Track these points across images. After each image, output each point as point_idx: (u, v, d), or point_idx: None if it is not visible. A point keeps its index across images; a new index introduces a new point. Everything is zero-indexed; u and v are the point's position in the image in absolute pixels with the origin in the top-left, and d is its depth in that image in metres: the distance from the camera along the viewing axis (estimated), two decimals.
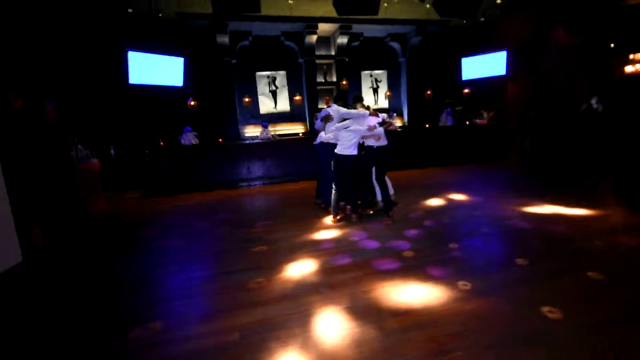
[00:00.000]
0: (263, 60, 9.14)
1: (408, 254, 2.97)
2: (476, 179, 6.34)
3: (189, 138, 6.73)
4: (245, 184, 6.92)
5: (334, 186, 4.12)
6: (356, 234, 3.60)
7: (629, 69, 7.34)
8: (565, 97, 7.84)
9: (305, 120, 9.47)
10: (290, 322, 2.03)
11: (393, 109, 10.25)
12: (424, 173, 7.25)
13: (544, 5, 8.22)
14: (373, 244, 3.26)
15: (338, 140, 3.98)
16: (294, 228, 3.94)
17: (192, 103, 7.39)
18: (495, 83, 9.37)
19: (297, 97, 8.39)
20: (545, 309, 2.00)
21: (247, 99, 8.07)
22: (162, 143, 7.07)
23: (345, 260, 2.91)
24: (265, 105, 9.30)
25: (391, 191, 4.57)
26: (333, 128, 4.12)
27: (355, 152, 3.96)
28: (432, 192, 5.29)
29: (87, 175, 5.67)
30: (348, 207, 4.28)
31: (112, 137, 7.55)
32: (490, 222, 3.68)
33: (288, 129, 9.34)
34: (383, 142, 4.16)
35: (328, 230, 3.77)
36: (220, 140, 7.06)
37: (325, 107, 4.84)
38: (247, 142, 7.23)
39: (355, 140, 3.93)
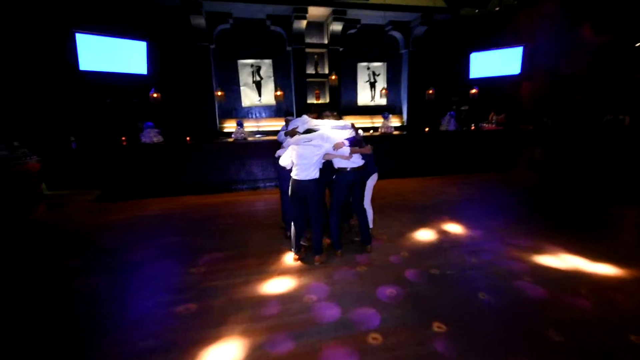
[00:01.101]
0: (246, 47, 8.12)
1: (374, 338, 2.16)
2: (478, 197, 5.47)
3: (150, 135, 5.85)
4: (217, 189, 6.09)
5: (292, 219, 3.29)
6: (316, 288, 2.78)
7: None
8: (587, 105, 6.86)
9: (293, 115, 8.53)
10: None
11: (391, 107, 9.28)
12: (419, 184, 6.38)
13: None
14: (332, 312, 2.44)
15: (294, 160, 3.11)
16: (245, 268, 3.13)
17: (155, 95, 6.46)
18: (507, 83, 8.35)
19: (278, 93, 7.43)
20: None
21: (219, 93, 7.10)
22: (124, 140, 6.20)
23: (286, 346, 2.11)
24: (249, 97, 8.35)
25: (371, 224, 3.73)
26: (290, 141, 3.26)
27: (316, 176, 3.10)
28: (424, 218, 4.44)
29: (21, 177, 4.85)
30: (326, 240, 3.52)
31: (70, 130, 6.68)
32: (492, 282, 2.84)
33: (273, 125, 8.41)
34: (357, 162, 3.29)
35: (283, 279, 2.95)
36: (188, 139, 6.18)
37: (293, 118, 3.93)
38: (222, 141, 6.35)
39: (317, 158, 3.07)
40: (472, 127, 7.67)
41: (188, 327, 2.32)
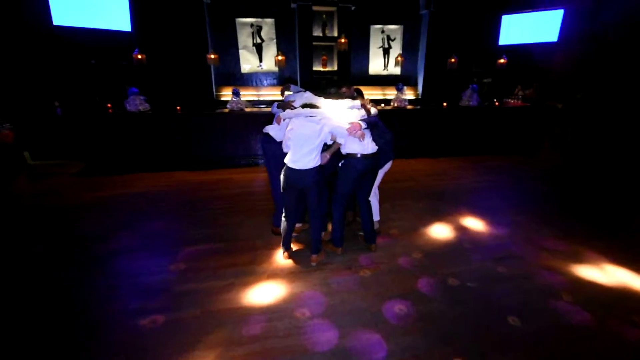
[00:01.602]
0: (246, 3, 7.17)
1: None
2: (500, 184, 4.87)
3: (136, 103, 5.25)
4: (211, 165, 5.59)
5: (283, 213, 2.78)
6: (309, 299, 2.34)
7: None
8: (637, 82, 5.96)
9: (297, 84, 7.75)
10: None
11: (405, 78, 8.38)
12: (434, 166, 5.77)
13: None
14: (327, 335, 2.01)
15: (289, 141, 2.54)
16: (230, 267, 2.69)
17: (140, 56, 5.74)
18: (539, 53, 7.34)
19: (280, 57, 6.59)
20: None
21: (212, 56, 6.30)
22: (110, 108, 5.62)
23: None
24: (249, 62, 7.54)
25: (376, 216, 3.23)
26: (287, 113, 2.66)
27: (317, 163, 2.54)
28: (439, 208, 3.90)
29: None
30: (325, 238, 3.04)
31: (54, 95, 6.09)
32: (523, 301, 2.35)
33: (276, 95, 7.69)
34: (370, 146, 2.71)
35: (273, 283, 2.51)
36: (179, 108, 5.56)
37: (287, 93, 3.28)
38: (217, 111, 5.72)
39: (319, 140, 2.49)
40: (497, 103, 6.85)
41: (148, 346, 1.91)
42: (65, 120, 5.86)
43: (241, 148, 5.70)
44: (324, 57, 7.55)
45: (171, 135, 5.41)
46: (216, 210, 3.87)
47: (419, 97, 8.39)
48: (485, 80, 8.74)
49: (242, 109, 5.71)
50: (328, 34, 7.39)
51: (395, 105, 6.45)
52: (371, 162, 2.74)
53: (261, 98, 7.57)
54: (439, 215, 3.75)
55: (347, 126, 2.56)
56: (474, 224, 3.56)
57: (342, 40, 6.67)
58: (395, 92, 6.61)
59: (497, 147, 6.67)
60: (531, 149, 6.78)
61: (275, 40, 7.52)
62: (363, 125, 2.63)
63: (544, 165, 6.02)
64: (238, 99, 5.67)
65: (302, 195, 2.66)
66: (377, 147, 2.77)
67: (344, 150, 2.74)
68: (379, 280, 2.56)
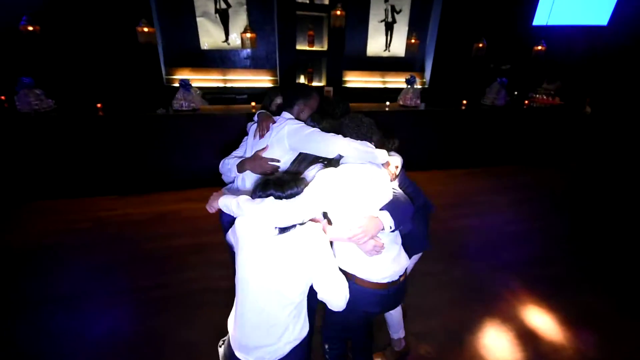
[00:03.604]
0: None
1: None
2: (553, 221, 3.66)
3: (29, 100, 3.46)
4: (150, 188, 4.02)
5: None
6: None
7: None
8: None
9: (275, 68, 6.03)
10: None
11: (409, 62, 6.80)
12: (450, 184, 4.54)
13: None
14: None
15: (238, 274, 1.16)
16: None
17: (30, 28, 3.81)
18: (584, 39, 5.89)
19: (249, 34, 4.82)
20: None
21: (146, 29, 4.36)
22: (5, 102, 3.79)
23: None
24: (210, 35, 5.65)
25: (398, 330, 1.94)
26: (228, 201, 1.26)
27: (300, 336, 1.27)
28: (480, 283, 2.66)
29: None
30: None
31: None
32: None
33: (248, 81, 5.96)
34: (393, 266, 1.37)
35: None
36: (100, 106, 3.81)
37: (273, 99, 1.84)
38: (158, 112, 4.00)
39: (296, 297, 1.23)
40: (526, 102, 5.49)
41: None
42: None
43: (195, 164, 4.12)
44: (310, 32, 5.78)
45: (86, 147, 3.73)
46: (141, 295, 2.41)
47: (426, 85, 6.88)
48: (503, 67, 7.30)
49: (195, 108, 4.05)
50: (317, 1, 5.57)
51: (404, 103, 4.96)
52: (393, 298, 1.40)
53: (230, 85, 5.83)
54: (482, 296, 2.52)
55: (348, 233, 1.20)
56: (544, 324, 2.33)
57: (338, 13, 4.94)
58: (397, 79, 5.11)
59: (522, 155, 5.48)
60: (563, 159, 5.62)
61: (245, 7, 5.63)
62: (387, 225, 1.24)
63: (564, 182, 4.87)
64: (188, 94, 3.97)
65: None
66: (406, 262, 1.41)
67: (345, 267, 1.35)
68: None
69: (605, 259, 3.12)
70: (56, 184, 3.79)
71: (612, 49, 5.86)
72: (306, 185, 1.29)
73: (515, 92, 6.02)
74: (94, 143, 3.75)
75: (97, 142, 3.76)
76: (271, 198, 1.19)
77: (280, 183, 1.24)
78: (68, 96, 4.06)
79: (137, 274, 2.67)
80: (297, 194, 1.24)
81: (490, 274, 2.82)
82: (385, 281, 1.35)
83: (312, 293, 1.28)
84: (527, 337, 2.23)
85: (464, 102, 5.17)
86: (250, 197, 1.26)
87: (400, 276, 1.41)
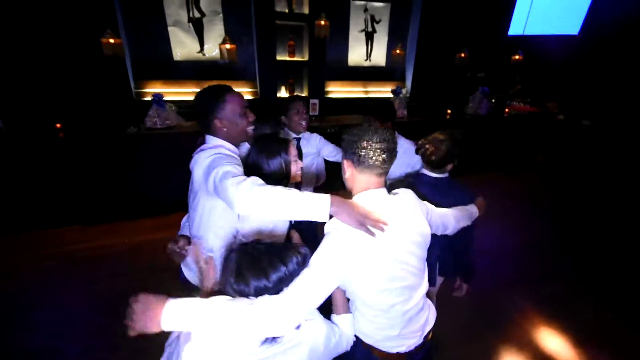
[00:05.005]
0: None
1: None
2: (555, 235, 3.65)
3: None
4: (121, 214, 3.62)
5: None
6: None
7: None
8: None
9: (255, 79, 5.78)
10: None
11: (389, 71, 6.79)
12: None
13: None
14: None
15: None
16: None
17: None
18: (557, 48, 6.13)
19: (228, 46, 4.56)
20: None
21: (112, 40, 3.98)
22: None
23: None
24: (184, 46, 5.31)
25: None
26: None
27: None
28: (486, 307, 2.53)
29: None
30: None
31: None
32: None
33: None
34: (426, 319, 1.20)
35: None
36: (59, 126, 3.39)
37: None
38: (128, 132, 3.62)
39: None
40: (507, 110, 5.60)
41: None
42: None
43: (172, 187, 3.77)
44: (291, 42, 5.60)
45: (46, 173, 3.29)
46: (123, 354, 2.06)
47: (407, 95, 6.88)
48: (479, 75, 7.49)
49: (170, 126, 3.72)
50: (296, 10, 5.41)
51: None
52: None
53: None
54: (492, 321, 2.38)
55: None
56: (557, 345, 2.23)
57: (322, 23, 4.79)
58: (379, 89, 5.05)
59: (503, 161, 5.58)
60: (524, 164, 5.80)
61: (221, 15, 5.36)
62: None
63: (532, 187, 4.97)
64: (162, 110, 3.64)
65: None
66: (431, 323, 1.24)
67: (354, 329, 1.16)
68: None
69: (603, 268, 3.12)
70: (14, 216, 3.31)
71: (583, 57, 6.15)
72: (301, 255, 0.97)
73: (493, 100, 6.15)
74: (54, 168, 3.32)
75: (58, 166, 3.33)
76: (266, 296, 0.87)
77: (257, 264, 0.92)
78: (21, 116, 3.59)
79: (116, 321, 2.31)
80: (293, 276, 0.92)
81: (496, 295, 2.72)
82: (417, 342, 1.15)
83: None
84: None
85: (449, 111, 5.17)
86: (229, 297, 0.91)
87: (425, 340, 1.21)
